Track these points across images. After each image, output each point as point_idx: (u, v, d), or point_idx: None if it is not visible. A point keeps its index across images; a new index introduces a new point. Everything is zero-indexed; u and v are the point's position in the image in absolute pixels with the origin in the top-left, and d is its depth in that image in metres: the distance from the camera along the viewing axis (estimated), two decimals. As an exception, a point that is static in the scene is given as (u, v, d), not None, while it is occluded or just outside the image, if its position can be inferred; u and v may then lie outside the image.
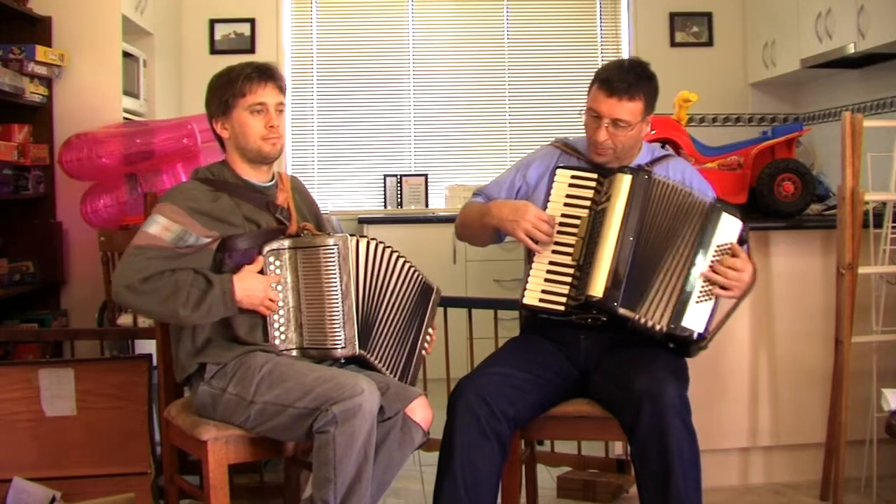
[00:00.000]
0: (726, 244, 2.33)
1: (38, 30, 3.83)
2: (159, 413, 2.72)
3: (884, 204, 3.09)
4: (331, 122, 5.56)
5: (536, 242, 2.38)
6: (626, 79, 2.40)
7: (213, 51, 5.34)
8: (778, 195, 3.35)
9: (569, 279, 2.36)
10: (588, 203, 2.39)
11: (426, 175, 5.53)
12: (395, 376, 2.46)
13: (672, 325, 2.29)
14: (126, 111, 4.09)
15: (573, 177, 2.43)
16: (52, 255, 3.84)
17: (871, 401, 3.08)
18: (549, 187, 2.44)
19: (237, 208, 2.35)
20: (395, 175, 5.52)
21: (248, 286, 2.29)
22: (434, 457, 2.35)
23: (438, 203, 5.52)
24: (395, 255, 2.47)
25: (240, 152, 2.41)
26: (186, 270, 2.25)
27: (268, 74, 2.39)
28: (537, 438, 2.91)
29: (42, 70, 3.73)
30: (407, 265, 2.49)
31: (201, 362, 2.33)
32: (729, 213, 2.36)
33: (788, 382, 3.27)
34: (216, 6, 5.36)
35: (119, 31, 3.99)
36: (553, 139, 2.67)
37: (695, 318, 2.31)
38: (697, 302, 2.31)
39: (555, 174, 2.45)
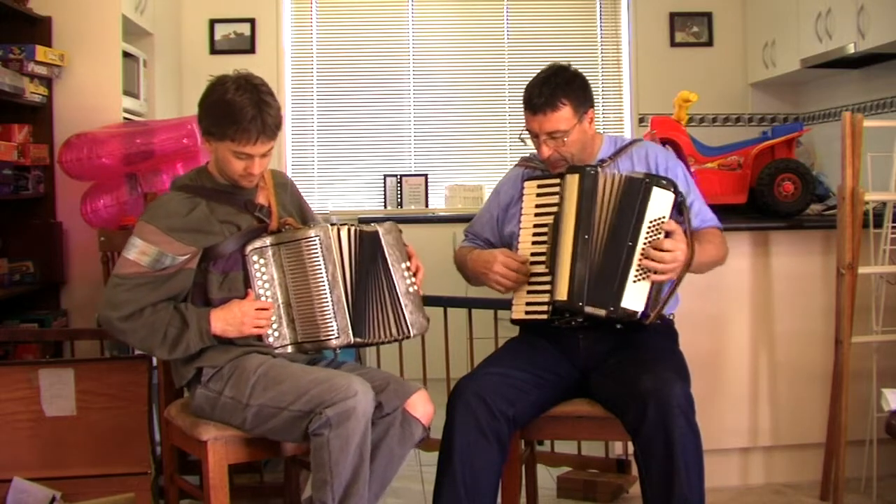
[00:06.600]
0: (658, 219, 2.30)
1: (38, 30, 3.82)
2: (159, 413, 2.73)
3: (884, 204, 3.09)
4: (331, 122, 5.57)
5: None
6: (544, 93, 2.41)
7: (213, 51, 5.35)
8: (778, 195, 3.35)
9: (546, 287, 2.37)
10: (555, 209, 2.40)
11: (426, 175, 5.53)
12: (388, 336, 2.40)
13: (611, 308, 2.28)
14: (126, 111, 4.08)
15: (539, 186, 2.46)
16: (52, 255, 3.84)
17: (871, 401, 3.08)
18: (521, 203, 2.47)
19: (211, 215, 2.33)
20: (395, 175, 5.52)
21: (227, 317, 2.29)
22: (434, 457, 2.35)
23: (438, 203, 5.52)
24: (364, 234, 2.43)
25: (218, 169, 2.39)
26: (166, 308, 2.26)
27: (262, 130, 2.24)
28: (537, 438, 2.91)
29: (42, 70, 3.72)
30: (359, 232, 2.41)
31: (198, 367, 2.33)
32: (659, 186, 2.32)
33: (788, 382, 3.27)
34: (216, 6, 5.36)
35: (119, 31, 3.98)
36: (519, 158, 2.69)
37: (633, 298, 2.28)
38: (634, 281, 2.29)
39: (524, 188, 2.48)
